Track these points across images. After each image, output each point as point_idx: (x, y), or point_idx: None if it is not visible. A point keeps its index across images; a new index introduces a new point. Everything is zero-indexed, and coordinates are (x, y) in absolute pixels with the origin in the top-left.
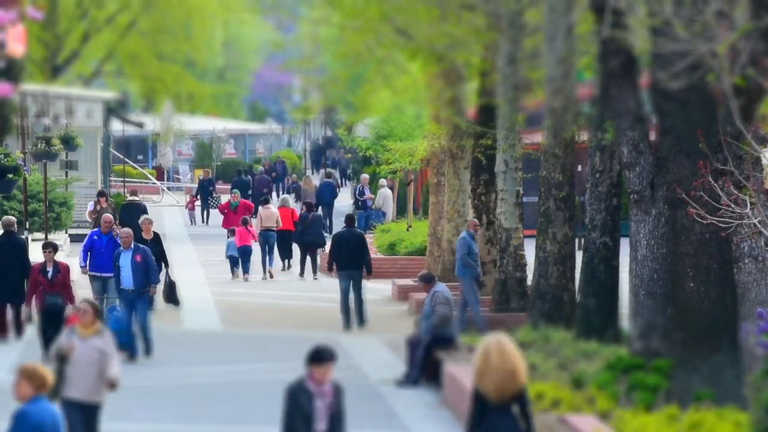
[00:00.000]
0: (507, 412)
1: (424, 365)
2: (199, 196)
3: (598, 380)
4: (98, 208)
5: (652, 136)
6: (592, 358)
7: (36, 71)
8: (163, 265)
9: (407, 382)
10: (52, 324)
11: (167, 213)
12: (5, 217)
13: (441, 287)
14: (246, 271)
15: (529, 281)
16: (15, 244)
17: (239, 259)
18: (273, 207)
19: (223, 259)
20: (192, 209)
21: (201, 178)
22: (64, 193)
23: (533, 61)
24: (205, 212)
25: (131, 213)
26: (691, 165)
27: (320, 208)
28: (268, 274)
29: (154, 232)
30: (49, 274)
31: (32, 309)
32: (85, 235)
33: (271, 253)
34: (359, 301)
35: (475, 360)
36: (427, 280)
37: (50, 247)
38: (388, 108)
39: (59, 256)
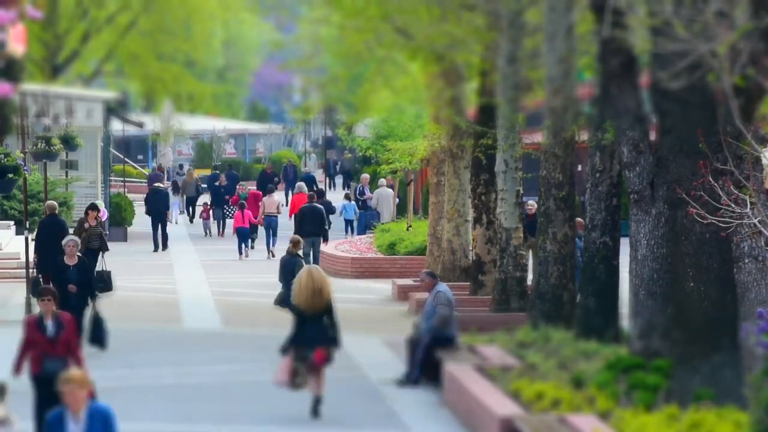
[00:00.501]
0: (319, 322)
1: (424, 365)
2: (213, 205)
3: (598, 380)
4: (87, 226)
5: (652, 136)
6: (592, 358)
7: (36, 71)
8: (89, 297)
9: (407, 382)
10: (52, 400)
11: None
12: (48, 202)
13: (443, 287)
14: (247, 247)
15: (529, 281)
16: (58, 224)
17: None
18: (275, 195)
19: (223, 258)
20: (207, 218)
21: (216, 184)
22: (64, 193)
23: (533, 61)
24: (221, 223)
25: (157, 200)
26: (691, 165)
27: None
28: (270, 254)
29: (79, 256)
30: (49, 330)
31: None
32: None
33: (274, 235)
34: (316, 261)
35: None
36: (433, 276)
37: (49, 295)
38: (388, 108)
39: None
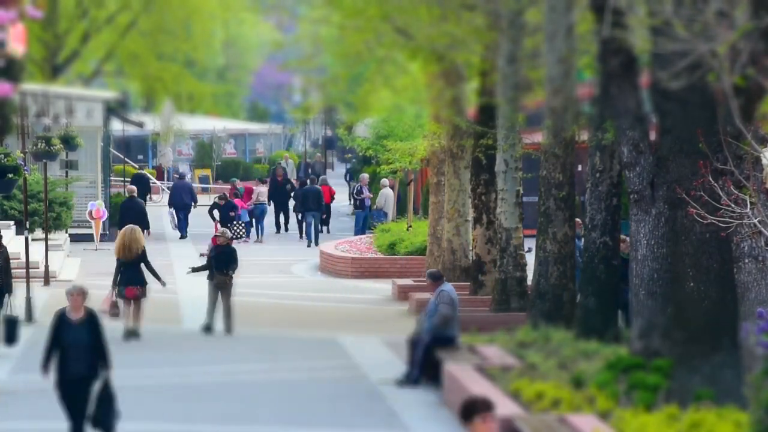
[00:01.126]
0: (133, 267)
1: (425, 365)
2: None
3: (598, 380)
4: None
5: (652, 136)
6: (592, 358)
7: (36, 71)
8: (101, 365)
9: (408, 382)
10: None
11: (167, 212)
12: (129, 186)
13: (447, 287)
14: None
15: (529, 281)
16: (137, 206)
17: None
18: (264, 186)
19: None
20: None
21: (216, 200)
22: (64, 193)
23: (533, 60)
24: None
25: (180, 193)
26: (691, 165)
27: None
28: (260, 239)
29: (86, 308)
30: None
31: None
32: (85, 234)
33: (260, 222)
34: (316, 231)
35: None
36: (435, 278)
37: None
38: (388, 108)
39: (59, 256)
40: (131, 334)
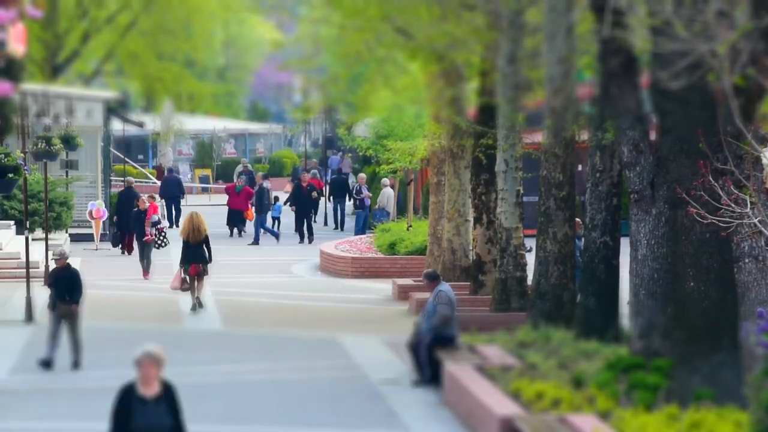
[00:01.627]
0: (197, 248)
1: (432, 363)
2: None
3: (598, 380)
4: None
5: (653, 136)
6: (592, 358)
7: (36, 71)
8: None
9: (423, 382)
10: None
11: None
12: (127, 178)
13: (445, 287)
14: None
15: (529, 281)
16: (133, 195)
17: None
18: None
19: (223, 258)
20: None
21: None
22: (65, 193)
23: (533, 60)
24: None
25: (169, 186)
26: (692, 165)
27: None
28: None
29: (163, 381)
30: None
31: None
32: (85, 234)
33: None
34: (342, 215)
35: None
36: (432, 279)
37: None
38: (388, 108)
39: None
40: (198, 305)
